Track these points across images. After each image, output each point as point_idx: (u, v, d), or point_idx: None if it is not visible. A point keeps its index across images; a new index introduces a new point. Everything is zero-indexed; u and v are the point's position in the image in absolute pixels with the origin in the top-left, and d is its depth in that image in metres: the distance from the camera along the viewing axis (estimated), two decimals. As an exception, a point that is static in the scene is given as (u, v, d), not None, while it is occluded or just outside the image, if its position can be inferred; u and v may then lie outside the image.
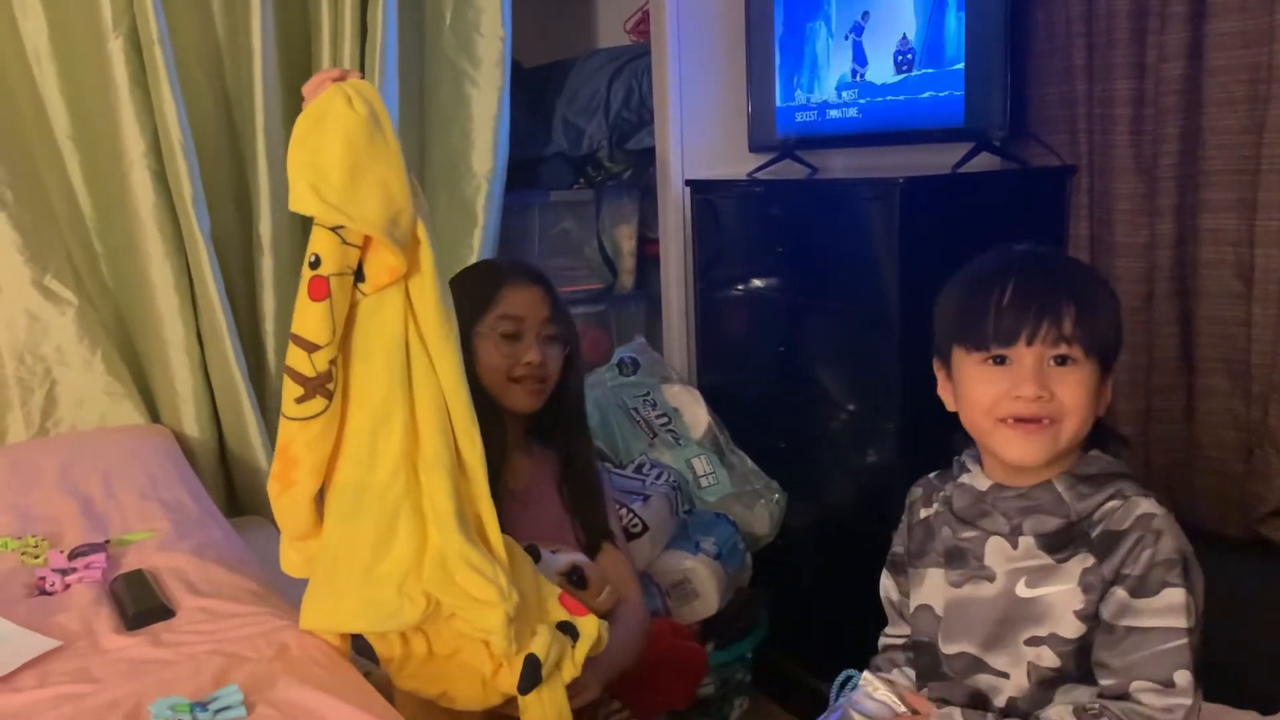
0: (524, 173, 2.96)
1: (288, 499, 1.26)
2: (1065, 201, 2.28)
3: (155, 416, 2.29)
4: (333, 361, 1.20)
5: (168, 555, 1.54)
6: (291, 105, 2.30)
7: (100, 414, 2.22)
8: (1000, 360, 1.13)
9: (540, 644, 1.27)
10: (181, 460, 2.08)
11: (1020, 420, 1.13)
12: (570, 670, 1.29)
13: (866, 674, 1.28)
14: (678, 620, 2.12)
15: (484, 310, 1.64)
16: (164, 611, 1.36)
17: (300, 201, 1.17)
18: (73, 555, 1.54)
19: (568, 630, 1.31)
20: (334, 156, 1.16)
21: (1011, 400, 1.13)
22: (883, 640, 1.39)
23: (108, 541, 1.61)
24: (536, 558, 1.47)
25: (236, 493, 2.33)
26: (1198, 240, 2.04)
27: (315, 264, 1.19)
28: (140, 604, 1.37)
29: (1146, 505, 1.13)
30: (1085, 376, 1.13)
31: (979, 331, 1.14)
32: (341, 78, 1.19)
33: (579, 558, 1.57)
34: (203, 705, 1.08)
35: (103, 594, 1.43)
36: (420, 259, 1.24)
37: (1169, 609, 1.09)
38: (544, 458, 1.76)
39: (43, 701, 1.14)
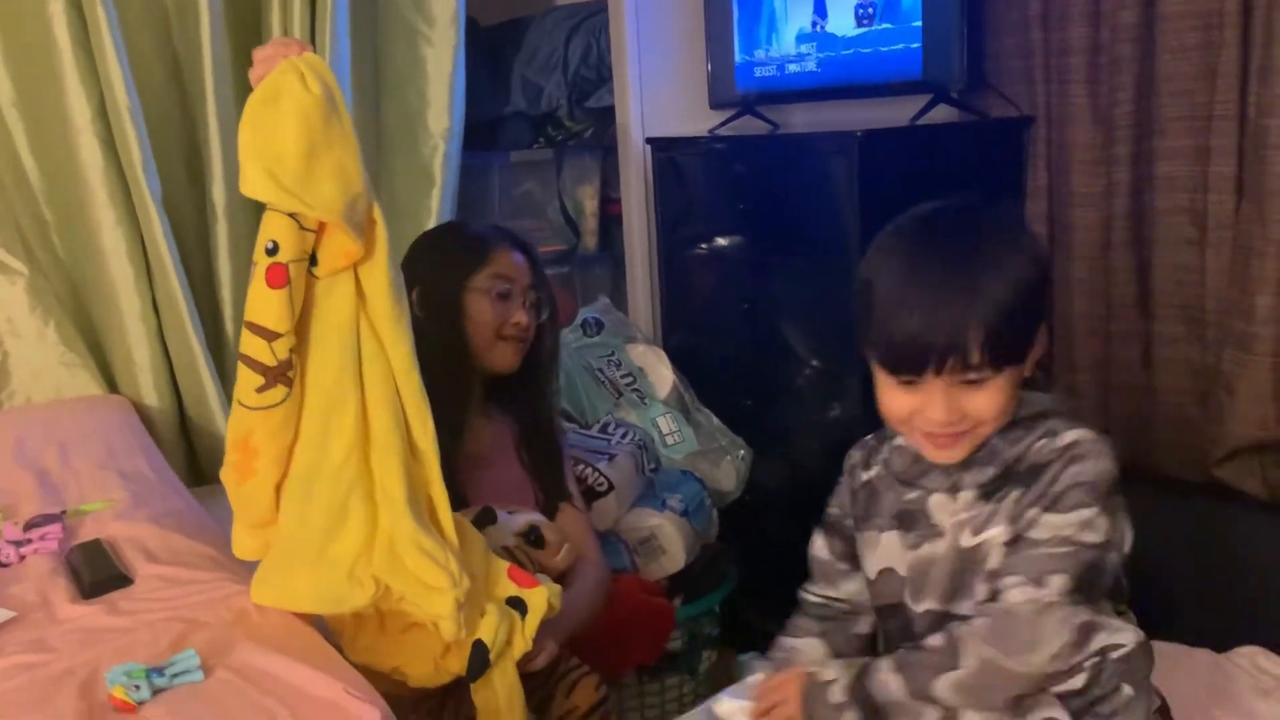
0: (483, 133, 2.93)
1: (249, 488, 1.24)
2: (1023, 152, 2.29)
3: (113, 386, 2.27)
4: (292, 349, 1.19)
5: (126, 524, 1.52)
6: (241, 68, 2.25)
7: (56, 385, 2.19)
8: (910, 382, 1.12)
9: (488, 628, 1.26)
10: (140, 430, 2.06)
11: (934, 434, 1.13)
12: (521, 645, 1.29)
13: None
14: (645, 577, 2.14)
15: (478, 267, 1.69)
16: (121, 580, 1.35)
17: (254, 186, 1.14)
18: (28, 527, 1.53)
19: (516, 605, 1.31)
20: (289, 140, 1.12)
21: (924, 419, 1.12)
22: (804, 596, 1.39)
23: (64, 512, 1.59)
24: (493, 519, 1.47)
25: (198, 460, 2.30)
26: (1153, 188, 2.06)
27: (273, 250, 1.16)
28: (97, 573, 1.35)
29: (1074, 434, 1.13)
30: (999, 386, 1.10)
31: (888, 356, 1.12)
32: (297, 53, 1.16)
33: (536, 517, 1.58)
34: (159, 670, 1.07)
35: (59, 564, 1.41)
36: (375, 242, 1.22)
37: (1072, 524, 1.08)
38: (503, 421, 1.77)
39: (4, 670, 1.13)
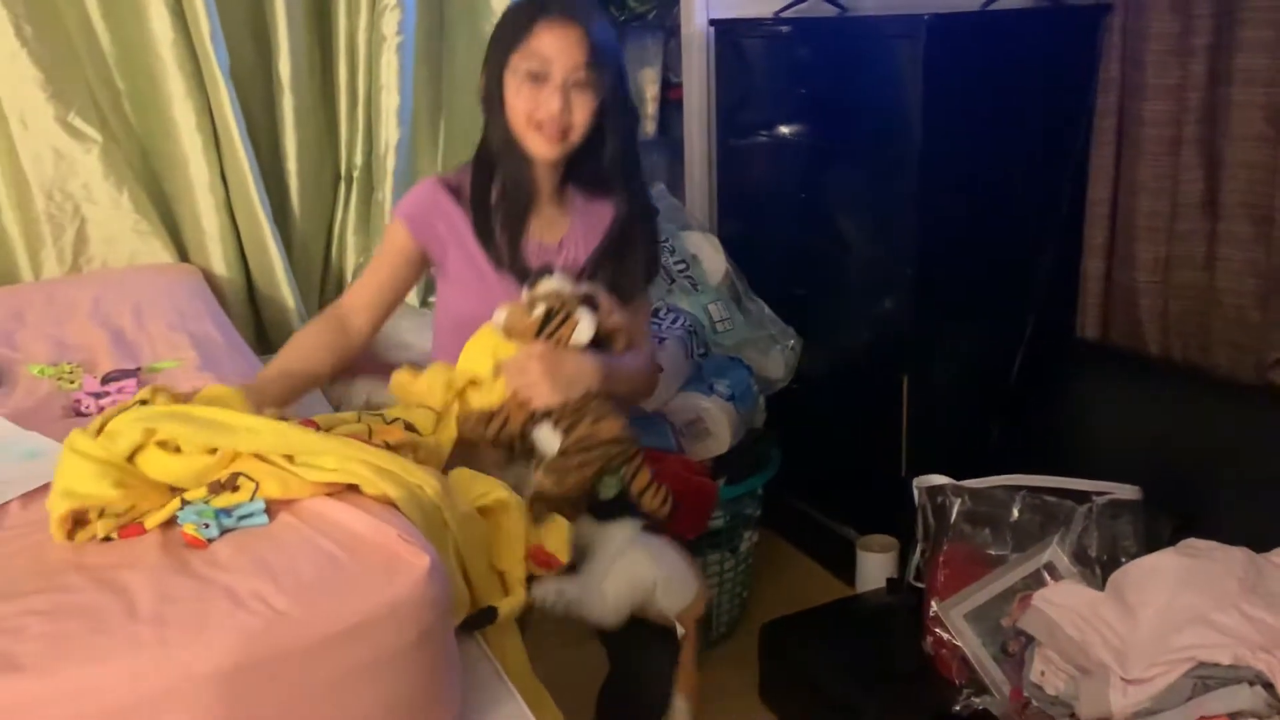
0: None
1: None
2: (1097, 41, 2.22)
3: (184, 255, 2.34)
4: None
5: (195, 382, 1.59)
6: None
7: (130, 252, 2.27)
8: None
9: (507, 604, 1.27)
10: (210, 297, 2.13)
11: None
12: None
13: None
14: (690, 458, 2.19)
15: (516, 44, 1.52)
16: (192, 431, 1.42)
17: None
18: (105, 380, 1.61)
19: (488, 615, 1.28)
20: None
21: None
22: None
23: (139, 369, 1.67)
24: (550, 272, 1.47)
25: (265, 329, 2.39)
26: (1230, 81, 1.99)
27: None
28: (170, 425, 1.43)
29: None
30: None
31: None
32: None
33: (597, 290, 1.51)
34: (227, 512, 1.14)
35: (135, 416, 1.50)
36: None
37: None
38: (585, 211, 1.64)
39: (82, 509, 1.21)
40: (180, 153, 2.23)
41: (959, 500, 1.88)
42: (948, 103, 2.16)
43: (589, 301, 1.47)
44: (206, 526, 1.12)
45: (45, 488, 1.24)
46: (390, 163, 2.37)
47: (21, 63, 2.11)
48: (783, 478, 2.37)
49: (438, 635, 1.09)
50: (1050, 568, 1.75)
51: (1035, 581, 1.75)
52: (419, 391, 1.47)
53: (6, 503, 1.23)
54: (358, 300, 1.63)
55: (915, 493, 1.95)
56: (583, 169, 1.60)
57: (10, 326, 1.89)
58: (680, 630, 1.46)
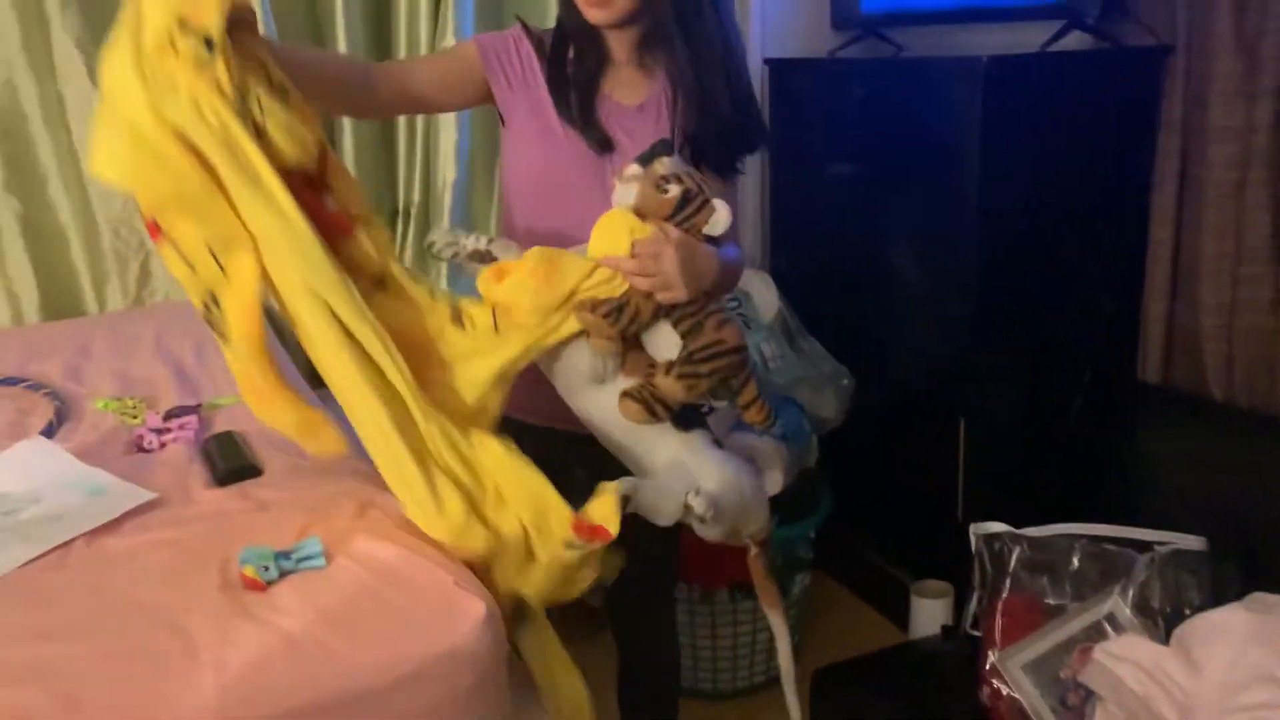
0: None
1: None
2: (1159, 83, 2.20)
3: (243, 290, 2.38)
4: None
5: (255, 419, 1.62)
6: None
7: (192, 286, 2.31)
8: None
9: (534, 584, 1.24)
10: (269, 332, 2.16)
11: None
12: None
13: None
14: (742, 497, 2.18)
15: None
16: (252, 470, 1.44)
17: None
18: (167, 416, 1.64)
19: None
20: None
21: None
22: None
23: (200, 405, 1.70)
24: (670, 152, 1.33)
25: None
26: (1297, 124, 1.96)
27: None
28: (230, 462, 1.45)
29: None
30: None
31: None
32: None
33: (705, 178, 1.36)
34: (285, 554, 1.15)
35: (195, 452, 1.52)
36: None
37: None
38: (659, 74, 1.53)
39: (144, 545, 1.23)
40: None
41: (1017, 548, 1.85)
42: (1007, 143, 2.15)
43: (695, 185, 1.32)
44: (266, 569, 1.13)
45: (109, 525, 1.27)
46: (447, 200, 2.40)
47: (94, 102, 2.17)
48: (835, 519, 2.35)
49: (491, 681, 1.10)
50: (1111, 619, 1.71)
51: (1096, 633, 1.71)
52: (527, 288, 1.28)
53: (71, 540, 1.25)
54: (395, 71, 1.53)
55: (972, 539, 1.91)
56: (653, 32, 1.48)
57: (77, 361, 1.93)
58: (753, 550, 1.44)
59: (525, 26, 1.52)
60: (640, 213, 1.29)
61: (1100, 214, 2.29)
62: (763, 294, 2.53)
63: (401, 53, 2.37)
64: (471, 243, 1.33)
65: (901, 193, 2.40)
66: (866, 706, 1.93)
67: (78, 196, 2.23)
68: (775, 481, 2.22)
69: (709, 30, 1.44)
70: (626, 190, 1.29)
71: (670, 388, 1.28)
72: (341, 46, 2.31)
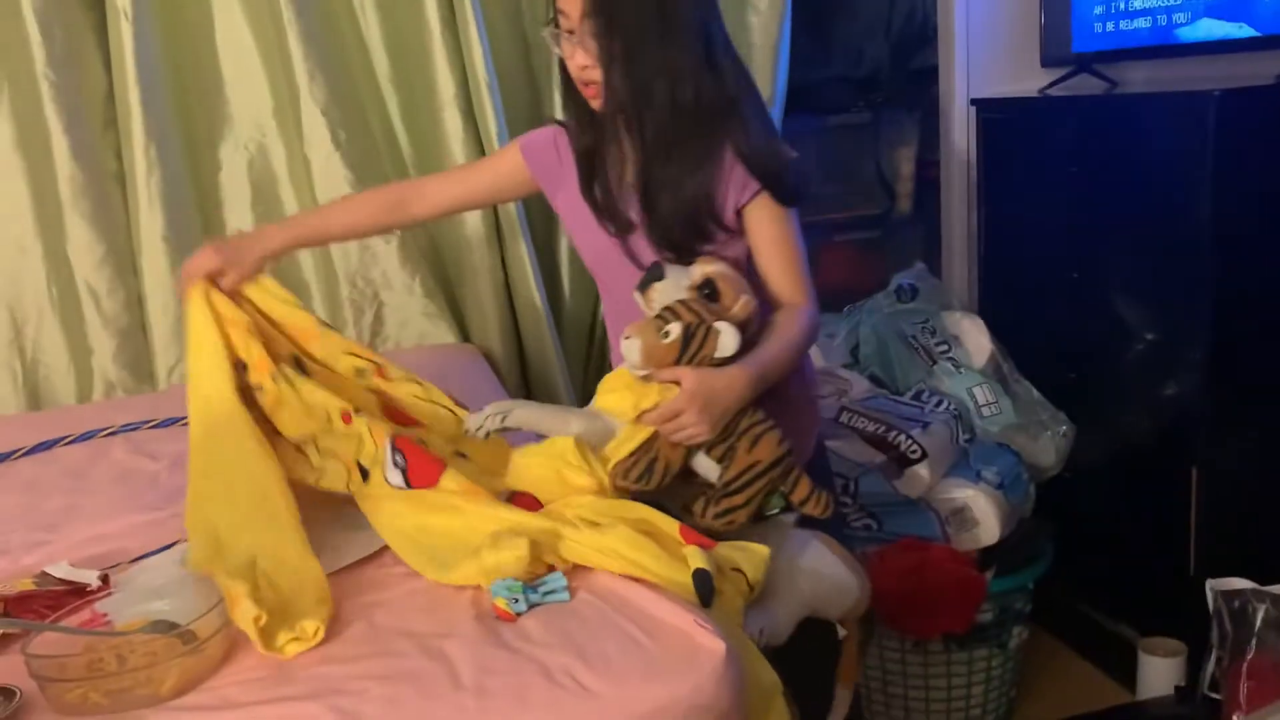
0: (801, 97, 2.96)
1: None
2: None
3: (465, 336, 2.51)
4: None
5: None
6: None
7: (419, 333, 2.46)
8: None
9: (697, 558, 1.22)
10: (490, 375, 2.28)
11: None
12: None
13: None
14: (956, 547, 2.13)
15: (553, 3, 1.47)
16: (490, 508, 1.52)
17: None
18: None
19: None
20: None
21: None
22: None
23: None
24: (660, 276, 1.38)
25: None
26: None
27: None
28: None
29: None
30: None
31: None
32: None
33: (713, 268, 1.39)
34: (533, 587, 1.21)
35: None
36: None
37: None
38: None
39: (398, 576, 1.31)
40: (466, 241, 2.41)
41: (1264, 606, 1.74)
42: (1241, 180, 2.04)
43: (707, 289, 1.36)
44: (516, 601, 1.19)
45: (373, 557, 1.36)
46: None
47: (335, 164, 2.34)
48: (1056, 572, 2.26)
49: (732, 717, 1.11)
50: (1375, 687, 1.58)
51: (1358, 702, 1.58)
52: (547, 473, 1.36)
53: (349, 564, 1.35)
54: (435, 188, 1.66)
55: (1210, 595, 1.81)
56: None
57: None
58: (842, 631, 1.40)
59: (562, 124, 1.59)
60: (649, 363, 1.34)
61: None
62: (974, 337, 2.48)
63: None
64: (493, 423, 1.42)
65: (1122, 232, 2.31)
66: (1098, 768, 1.85)
67: (319, 251, 2.41)
68: (991, 531, 2.17)
69: (659, 117, 1.41)
70: (631, 348, 1.34)
71: (711, 525, 1.33)
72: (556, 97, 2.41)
